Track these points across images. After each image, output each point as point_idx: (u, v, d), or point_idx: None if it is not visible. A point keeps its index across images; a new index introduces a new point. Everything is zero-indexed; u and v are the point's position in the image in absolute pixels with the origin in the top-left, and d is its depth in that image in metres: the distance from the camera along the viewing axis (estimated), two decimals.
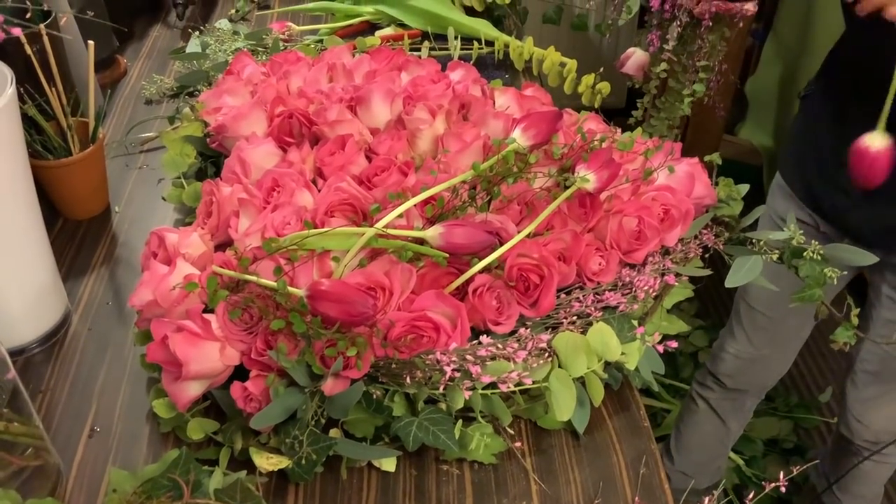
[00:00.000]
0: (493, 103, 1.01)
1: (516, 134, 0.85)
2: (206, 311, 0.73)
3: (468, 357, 0.71)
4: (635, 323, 0.80)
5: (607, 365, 0.79)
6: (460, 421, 0.73)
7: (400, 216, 0.78)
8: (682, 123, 2.14)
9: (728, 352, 1.29)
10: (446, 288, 0.75)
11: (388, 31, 1.39)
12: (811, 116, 1.09)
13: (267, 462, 0.66)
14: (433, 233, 0.75)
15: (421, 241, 0.76)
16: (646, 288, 0.81)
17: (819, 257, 0.83)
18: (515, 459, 0.75)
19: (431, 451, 0.75)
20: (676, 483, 1.48)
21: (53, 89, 0.97)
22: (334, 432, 0.72)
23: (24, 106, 0.95)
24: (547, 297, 0.76)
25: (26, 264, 0.83)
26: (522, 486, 0.73)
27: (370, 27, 1.45)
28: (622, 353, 0.78)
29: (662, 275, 0.83)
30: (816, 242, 0.80)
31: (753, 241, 0.87)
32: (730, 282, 0.85)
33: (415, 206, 0.79)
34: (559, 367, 0.75)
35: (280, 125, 0.93)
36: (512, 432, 0.77)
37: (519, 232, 0.78)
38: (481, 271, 0.76)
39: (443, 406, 0.73)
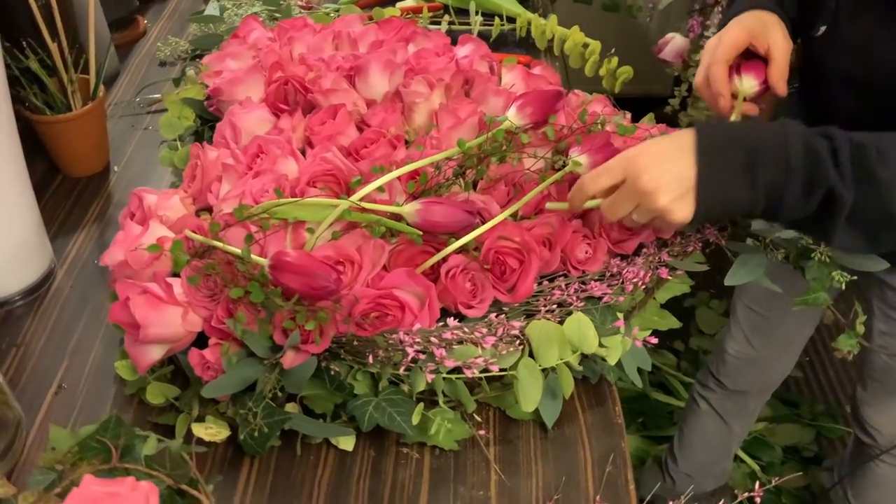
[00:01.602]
0: (499, 80, 0.97)
1: (511, 112, 0.82)
2: (175, 275, 0.72)
3: (433, 339, 0.68)
4: (620, 315, 0.77)
5: (586, 358, 0.76)
6: (421, 404, 0.71)
7: (382, 191, 0.76)
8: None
9: (727, 352, 1.24)
10: (419, 267, 0.73)
11: (409, 2, 1.36)
12: (792, 115, 1.04)
13: (206, 432, 0.65)
14: (410, 209, 0.72)
15: (399, 217, 0.74)
16: (635, 280, 0.77)
17: (828, 259, 0.78)
18: (479, 448, 0.72)
19: (393, 433, 0.72)
20: (681, 485, 1.44)
21: (56, 44, 0.96)
22: (291, 407, 0.70)
23: (27, 60, 0.95)
24: (525, 283, 0.73)
25: (9, 216, 0.83)
26: (482, 475, 0.70)
27: None
28: (602, 347, 0.74)
29: (655, 268, 0.79)
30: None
31: (759, 238, 0.83)
32: (730, 280, 0.81)
33: (399, 181, 0.77)
34: (530, 355, 0.72)
35: (276, 91, 0.91)
36: (479, 419, 0.74)
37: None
38: (458, 252, 0.73)
39: (405, 388, 0.71)
